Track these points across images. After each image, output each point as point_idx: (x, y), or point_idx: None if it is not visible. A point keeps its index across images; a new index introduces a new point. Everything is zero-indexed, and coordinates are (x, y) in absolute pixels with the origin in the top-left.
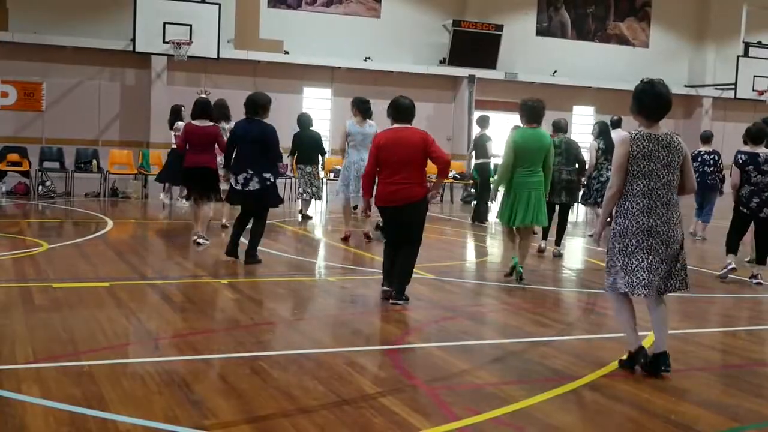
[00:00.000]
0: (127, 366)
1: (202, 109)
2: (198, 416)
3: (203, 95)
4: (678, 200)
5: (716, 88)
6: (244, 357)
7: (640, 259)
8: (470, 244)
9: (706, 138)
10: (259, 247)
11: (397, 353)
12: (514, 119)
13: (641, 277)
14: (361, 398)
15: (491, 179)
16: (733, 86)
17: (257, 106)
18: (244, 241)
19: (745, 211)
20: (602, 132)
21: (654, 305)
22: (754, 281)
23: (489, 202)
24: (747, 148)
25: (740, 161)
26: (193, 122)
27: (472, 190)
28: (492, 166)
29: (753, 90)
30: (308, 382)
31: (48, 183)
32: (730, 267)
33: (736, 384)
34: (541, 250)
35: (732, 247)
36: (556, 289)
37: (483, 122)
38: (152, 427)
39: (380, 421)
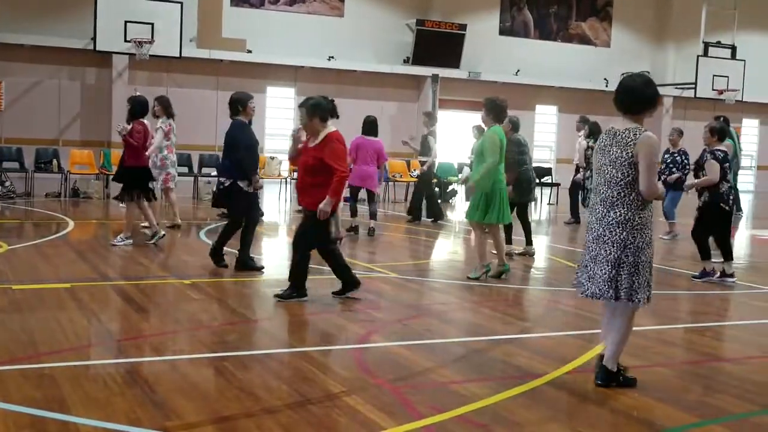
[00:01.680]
0: (89, 368)
1: (146, 107)
2: (161, 417)
3: (139, 94)
4: (626, 201)
5: (676, 88)
6: (208, 357)
7: (582, 256)
8: (432, 243)
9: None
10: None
11: (361, 352)
12: (478, 118)
13: (578, 274)
14: (326, 398)
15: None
16: (693, 85)
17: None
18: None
19: (726, 208)
20: (593, 132)
21: (607, 316)
22: (730, 280)
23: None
24: (722, 146)
25: (720, 157)
26: (144, 121)
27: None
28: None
29: (712, 89)
30: (272, 382)
31: (7, 183)
32: (717, 273)
33: (697, 380)
34: (531, 254)
35: (709, 250)
36: (519, 287)
37: (432, 119)
38: (114, 429)
39: (345, 420)
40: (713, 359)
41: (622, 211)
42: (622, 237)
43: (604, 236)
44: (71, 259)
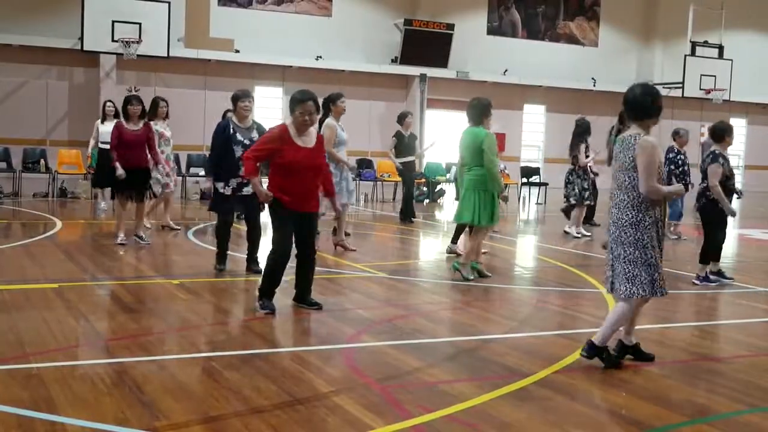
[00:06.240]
0: (77, 368)
1: None
2: (149, 417)
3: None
4: (635, 203)
5: (664, 87)
6: (196, 357)
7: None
8: (420, 243)
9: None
10: (209, 247)
11: (349, 352)
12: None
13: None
14: (314, 397)
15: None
16: (680, 85)
17: None
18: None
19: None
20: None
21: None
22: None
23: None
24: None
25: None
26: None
27: (424, 189)
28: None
29: (700, 89)
30: (261, 382)
31: None
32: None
33: (685, 379)
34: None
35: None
36: (508, 287)
37: (404, 118)
38: (102, 429)
39: (333, 420)
40: (701, 358)
41: (633, 213)
42: (630, 236)
43: (620, 237)
44: (59, 259)
